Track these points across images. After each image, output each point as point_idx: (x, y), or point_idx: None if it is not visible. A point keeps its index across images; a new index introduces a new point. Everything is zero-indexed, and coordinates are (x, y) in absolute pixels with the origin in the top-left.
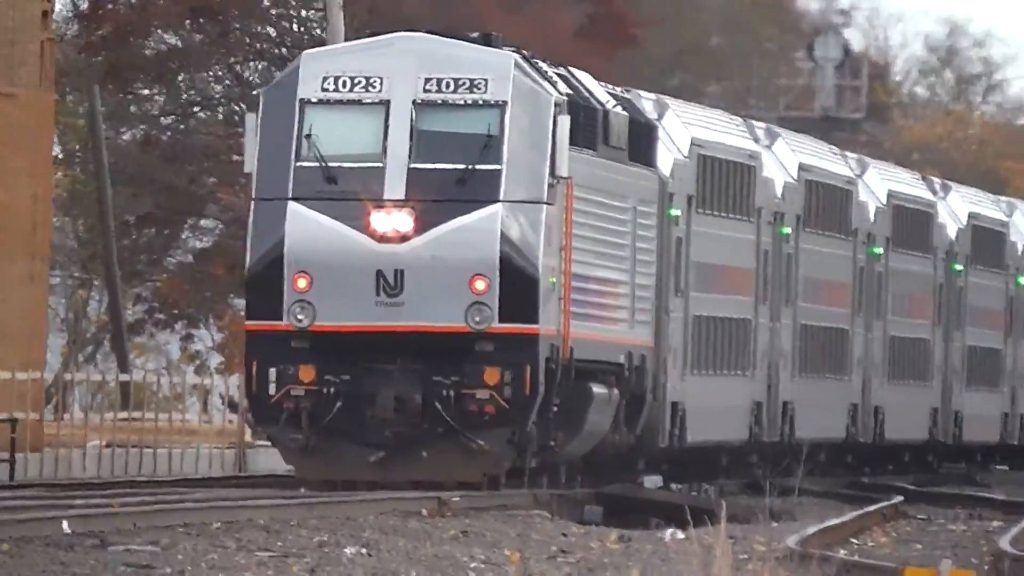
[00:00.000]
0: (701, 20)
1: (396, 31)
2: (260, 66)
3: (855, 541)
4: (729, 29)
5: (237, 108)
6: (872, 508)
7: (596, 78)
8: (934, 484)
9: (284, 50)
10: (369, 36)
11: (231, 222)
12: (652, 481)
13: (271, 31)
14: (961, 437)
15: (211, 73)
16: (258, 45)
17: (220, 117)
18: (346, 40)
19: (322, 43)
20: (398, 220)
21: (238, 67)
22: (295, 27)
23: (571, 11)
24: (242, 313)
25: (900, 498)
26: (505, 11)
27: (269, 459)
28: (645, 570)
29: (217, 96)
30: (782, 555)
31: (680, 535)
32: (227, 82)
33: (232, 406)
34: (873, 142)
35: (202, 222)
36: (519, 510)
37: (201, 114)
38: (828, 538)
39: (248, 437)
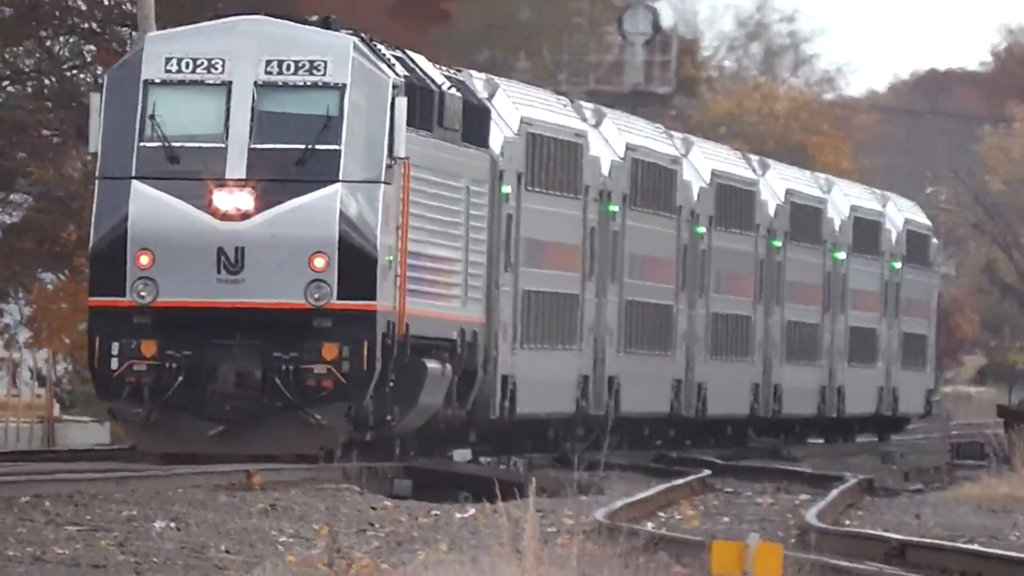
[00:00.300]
0: None
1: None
2: (71, 40)
3: (663, 515)
4: (538, 3)
5: (48, 82)
6: (680, 482)
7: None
8: (744, 458)
9: (94, 24)
10: (210, 18)
11: (40, 197)
12: (461, 455)
13: (82, 4)
14: (781, 411)
15: (21, 47)
16: (69, 20)
17: (30, 91)
18: (156, 15)
19: (133, 19)
20: (239, 199)
21: (48, 41)
22: (106, 1)
23: None
24: (50, 287)
25: (708, 472)
26: None
27: (79, 434)
28: (454, 543)
29: (27, 70)
30: (590, 528)
31: (471, 511)
32: (37, 55)
33: (40, 380)
34: (682, 116)
35: (11, 196)
36: (328, 484)
37: (10, 88)
38: (636, 512)
39: (56, 412)
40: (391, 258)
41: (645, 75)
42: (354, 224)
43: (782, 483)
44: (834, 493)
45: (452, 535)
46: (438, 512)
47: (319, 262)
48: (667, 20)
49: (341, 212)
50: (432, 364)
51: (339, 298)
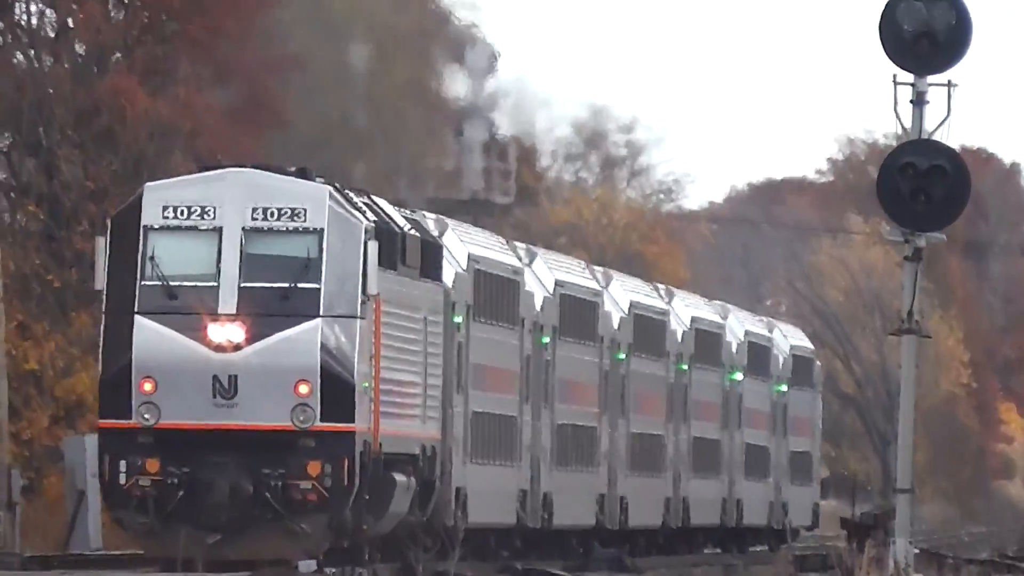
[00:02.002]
0: (345, 100)
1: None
2: None
3: None
4: (375, 109)
5: None
6: None
7: (243, 157)
8: (586, 568)
9: None
10: (200, 170)
11: None
12: (306, 566)
13: None
14: (690, 521)
15: None
16: None
17: None
18: None
19: None
20: (231, 332)
21: None
22: None
23: (215, 92)
24: None
25: None
26: (147, 92)
27: None
28: None
29: None
30: None
31: None
32: None
33: None
34: (521, 225)
35: None
36: None
37: None
38: None
39: None
40: (367, 384)
41: (485, 182)
42: (334, 354)
43: None
44: None
45: None
46: None
47: (303, 388)
48: (504, 128)
49: (322, 344)
50: (400, 477)
51: (322, 420)
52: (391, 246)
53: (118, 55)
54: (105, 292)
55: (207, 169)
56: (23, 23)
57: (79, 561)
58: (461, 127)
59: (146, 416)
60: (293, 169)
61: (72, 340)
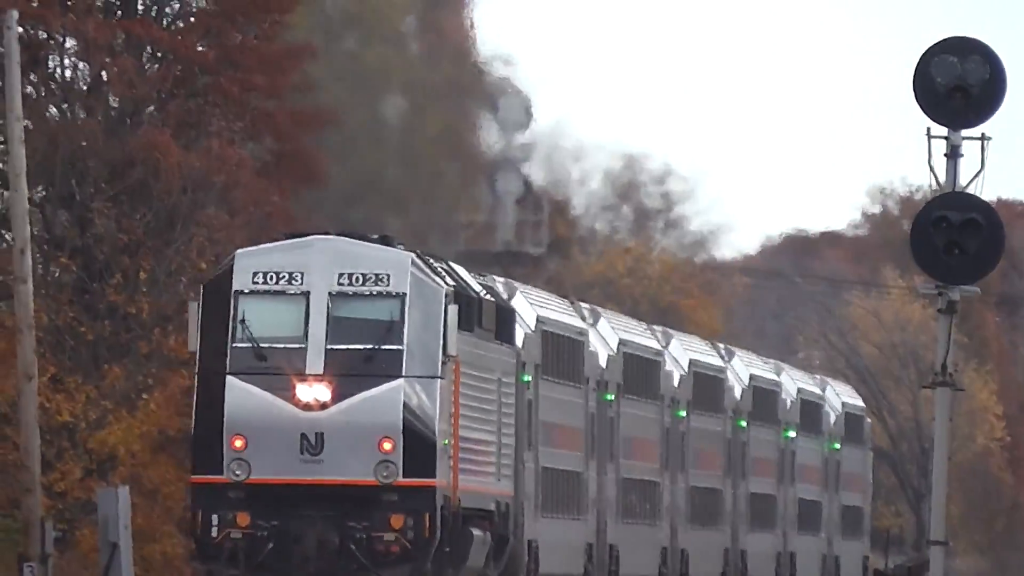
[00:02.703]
0: (379, 155)
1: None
2: None
3: None
4: (407, 163)
5: None
6: None
7: (277, 213)
8: None
9: None
10: (286, 237)
11: None
12: None
13: None
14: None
15: None
16: None
17: None
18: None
19: (4, 177)
20: (318, 391)
21: None
22: None
23: (247, 147)
24: None
25: None
26: (180, 145)
27: None
28: None
29: None
30: None
31: None
32: None
33: None
34: (555, 278)
35: None
36: None
37: None
38: None
39: None
40: (447, 441)
41: (517, 235)
42: (415, 413)
43: None
44: None
45: None
46: None
47: (387, 445)
48: (537, 180)
49: (405, 403)
50: (476, 531)
51: (404, 476)
52: (468, 310)
53: (151, 108)
54: (198, 354)
55: (294, 236)
56: (56, 76)
57: None
58: (494, 179)
59: (237, 472)
60: (376, 236)
61: (105, 393)
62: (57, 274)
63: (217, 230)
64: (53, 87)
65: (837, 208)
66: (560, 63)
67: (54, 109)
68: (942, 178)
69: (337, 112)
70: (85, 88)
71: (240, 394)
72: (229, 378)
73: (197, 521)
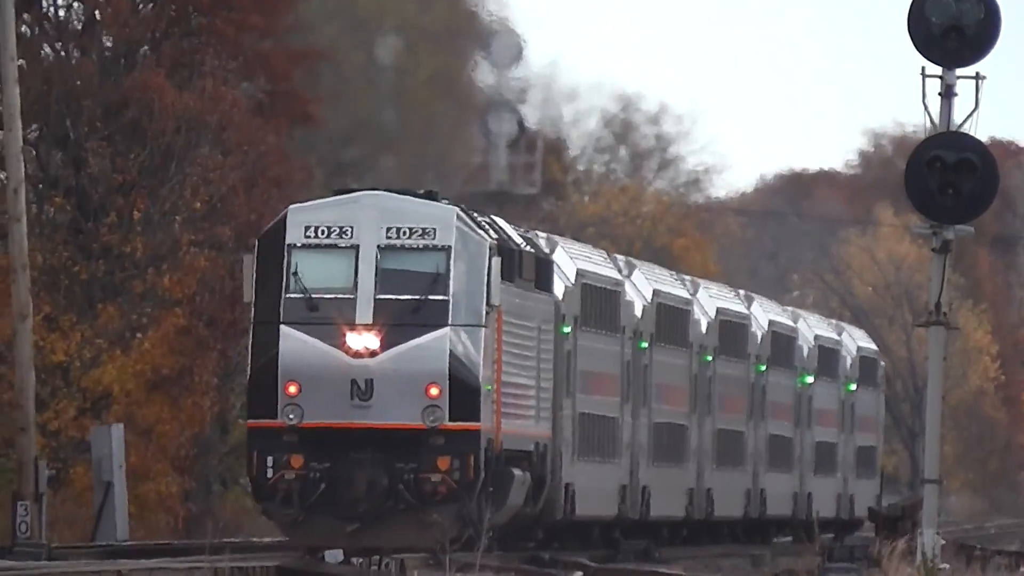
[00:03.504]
0: (373, 95)
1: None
2: None
3: None
4: (401, 104)
5: None
6: None
7: (271, 153)
8: (612, 560)
9: None
10: (335, 194)
11: None
12: (333, 555)
13: None
14: (766, 512)
15: None
16: None
17: None
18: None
19: None
20: (367, 340)
21: None
22: None
23: (240, 87)
24: None
25: (579, 573)
26: (174, 85)
27: None
28: None
29: None
30: None
31: None
32: None
33: None
34: (550, 218)
35: None
36: None
37: None
38: None
39: None
40: (490, 387)
41: (510, 176)
42: (461, 360)
43: None
44: None
45: None
46: None
47: (434, 391)
48: (531, 121)
49: (450, 350)
50: (517, 471)
51: (450, 420)
52: (510, 262)
53: (145, 49)
54: (253, 305)
55: (342, 192)
56: (50, 16)
57: (106, 552)
58: (487, 120)
59: (291, 416)
60: (422, 192)
61: (99, 332)
62: (51, 214)
63: (211, 170)
64: (47, 27)
65: (832, 148)
66: (555, 2)
67: (48, 49)
68: (936, 117)
69: (331, 51)
70: (79, 28)
71: (294, 343)
72: (283, 327)
73: (253, 463)
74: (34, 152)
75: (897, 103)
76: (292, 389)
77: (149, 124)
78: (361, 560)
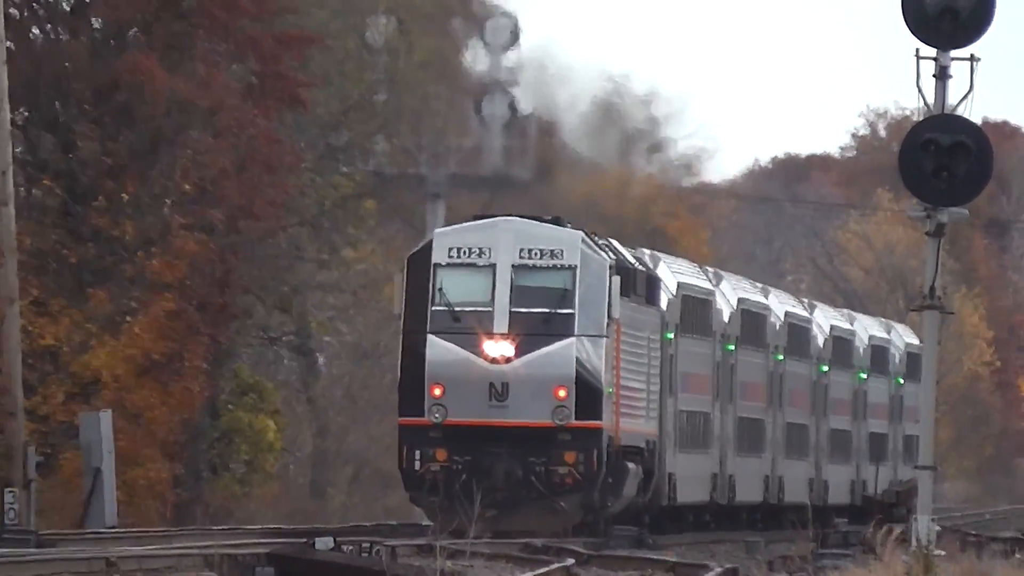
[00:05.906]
0: (366, 78)
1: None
2: None
3: None
4: (395, 87)
5: None
6: (543, 570)
7: (261, 136)
8: (606, 547)
9: None
10: (474, 219)
11: None
12: (323, 542)
13: None
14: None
15: None
16: None
17: None
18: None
19: None
20: (503, 348)
21: None
22: None
23: (232, 70)
24: None
25: (571, 561)
26: (166, 67)
27: None
28: None
29: None
30: None
31: None
32: None
33: None
34: (541, 200)
35: None
36: (189, 570)
37: None
38: None
39: None
40: (610, 390)
41: (504, 159)
42: (585, 366)
43: (646, 571)
44: None
45: None
46: None
47: (562, 393)
48: (525, 104)
49: (577, 357)
50: (631, 465)
51: (576, 419)
52: (626, 279)
53: (136, 31)
54: (403, 315)
55: (481, 218)
56: None
57: (96, 538)
58: (481, 104)
59: (436, 415)
60: (549, 218)
61: (88, 316)
62: (41, 197)
63: (201, 153)
64: (37, 8)
65: (827, 131)
66: None
67: (38, 31)
68: (931, 99)
69: (321, 36)
70: (69, 10)
71: (439, 350)
72: (430, 336)
73: (402, 457)
74: (23, 135)
75: (892, 86)
76: (437, 391)
77: (139, 107)
78: (351, 547)
